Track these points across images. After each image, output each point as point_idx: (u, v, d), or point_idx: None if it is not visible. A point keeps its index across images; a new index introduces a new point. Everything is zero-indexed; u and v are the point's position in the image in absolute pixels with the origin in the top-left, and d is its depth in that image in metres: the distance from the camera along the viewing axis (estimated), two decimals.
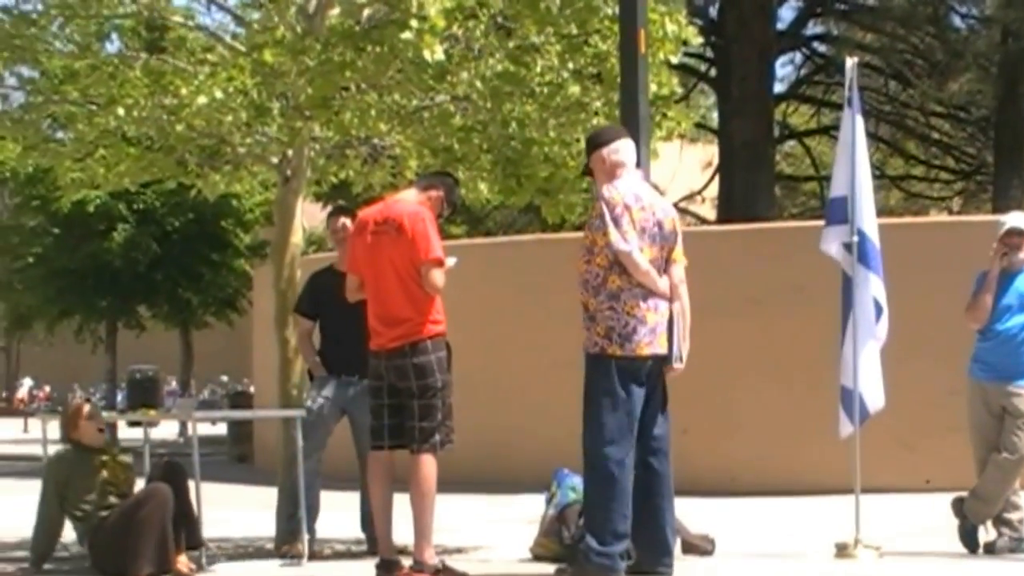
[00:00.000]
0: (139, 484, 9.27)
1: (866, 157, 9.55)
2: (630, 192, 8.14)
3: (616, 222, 8.01)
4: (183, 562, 8.87)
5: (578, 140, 10.30)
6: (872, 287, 9.28)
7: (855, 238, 9.28)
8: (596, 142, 8.46)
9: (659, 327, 8.07)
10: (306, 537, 9.51)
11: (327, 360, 9.92)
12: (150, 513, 8.69)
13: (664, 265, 8.19)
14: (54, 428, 10.28)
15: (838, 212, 9.42)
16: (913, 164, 32.02)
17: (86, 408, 9.51)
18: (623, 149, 8.36)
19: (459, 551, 9.72)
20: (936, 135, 30.09)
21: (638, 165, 8.85)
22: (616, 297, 8.01)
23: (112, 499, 9.02)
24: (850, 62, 9.50)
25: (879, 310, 9.32)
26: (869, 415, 9.35)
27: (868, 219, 9.34)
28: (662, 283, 8.11)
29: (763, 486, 14.41)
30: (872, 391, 9.30)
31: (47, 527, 9.21)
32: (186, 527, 8.96)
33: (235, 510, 12.61)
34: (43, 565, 9.27)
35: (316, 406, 9.79)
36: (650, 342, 8.03)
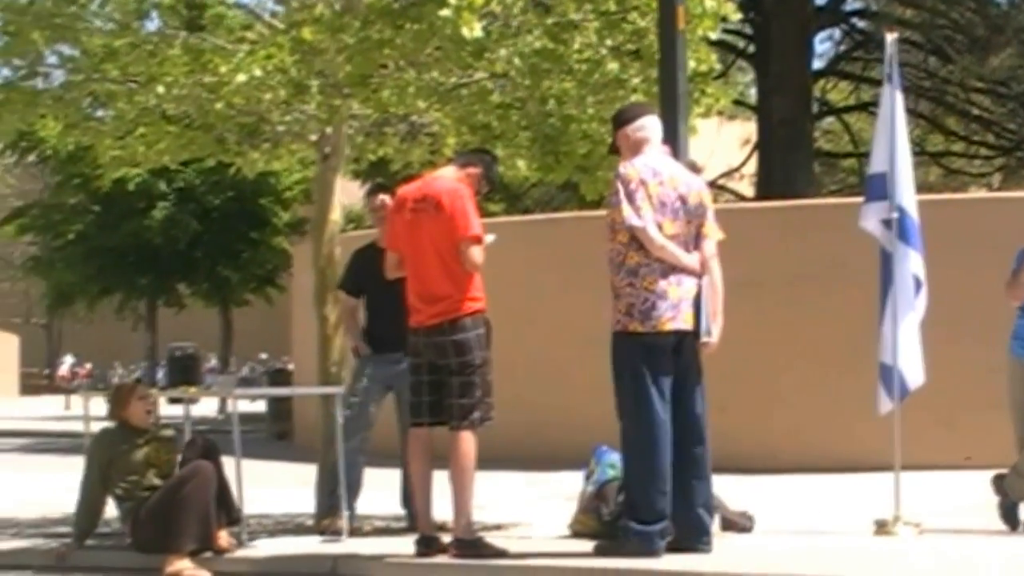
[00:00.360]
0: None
1: (905, 133, 9.48)
2: (647, 167, 8.12)
3: (630, 198, 8.01)
4: (224, 538, 8.94)
5: None
6: (912, 263, 9.24)
7: (895, 214, 9.24)
8: (620, 120, 8.46)
9: (683, 303, 8.04)
10: (346, 513, 9.54)
11: (372, 337, 9.91)
12: (193, 491, 8.75)
13: (694, 240, 8.18)
14: (96, 405, 10.36)
15: (877, 189, 9.38)
16: (953, 140, 31.83)
17: (138, 388, 9.54)
18: (648, 126, 8.36)
19: (498, 528, 9.74)
20: (976, 111, 29.90)
21: (673, 141, 8.84)
22: (635, 273, 8.01)
23: (155, 479, 9.07)
24: (890, 37, 9.45)
25: (918, 285, 9.28)
26: (909, 392, 9.31)
27: (908, 195, 9.29)
28: (688, 258, 8.08)
29: (802, 463, 14.37)
30: (912, 368, 9.26)
31: (90, 504, 9.28)
32: (224, 504, 9.02)
33: (275, 487, 12.67)
34: (85, 541, 9.34)
35: (361, 385, 9.79)
36: (672, 317, 8.02)
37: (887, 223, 9.28)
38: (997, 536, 9.09)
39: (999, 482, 9.39)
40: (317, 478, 10.09)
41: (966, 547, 8.54)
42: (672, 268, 8.02)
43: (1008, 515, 9.37)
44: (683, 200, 8.14)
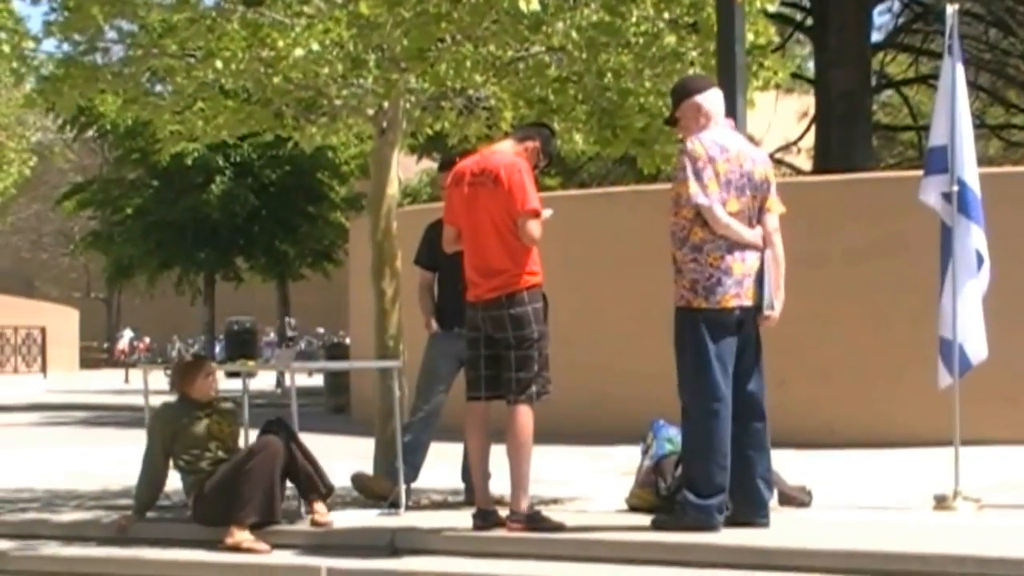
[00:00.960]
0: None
1: (967, 106, 9.39)
2: (715, 144, 8.10)
3: (698, 175, 7.99)
4: (320, 511, 8.95)
5: None
6: (973, 238, 9.16)
7: (955, 188, 9.17)
8: (689, 89, 8.40)
9: (747, 279, 8.04)
10: (403, 487, 9.56)
11: (443, 312, 9.83)
12: (260, 463, 8.79)
13: (757, 215, 8.15)
14: (155, 379, 10.42)
15: (937, 162, 9.30)
16: (1014, 113, 31.58)
17: (205, 365, 9.54)
18: (716, 98, 8.34)
19: (555, 502, 9.75)
20: None
21: (732, 115, 8.80)
22: (699, 249, 8.00)
23: (219, 453, 9.12)
24: (950, 9, 9.36)
25: (980, 260, 9.20)
26: (972, 366, 9.24)
27: (969, 168, 9.21)
28: (751, 233, 8.07)
29: (861, 438, 14.32)
30: (975, 342, 9.19)
31: (151, 477, 9.34)
32: (318, 476, 9.05)
33: (332, 461, 12.68)
34: (146, 513, 9.41)
35: (434, 362, 9.78)
36: (736, 294, 8.01)
37: (947, 196, 9.21)
38: None
39: None
40: (375, 452, 10.12)
41: None
42: (736, 244, 8.01)
43: None
44: (748, 176, 8.13)
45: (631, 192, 19.07)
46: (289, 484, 9.09)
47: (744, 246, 8.05)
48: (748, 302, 8.07)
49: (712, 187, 7.99)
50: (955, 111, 9.21)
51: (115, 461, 13.11)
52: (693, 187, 7.98)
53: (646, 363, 15.24)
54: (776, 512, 8.39)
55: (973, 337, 9.18)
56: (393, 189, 10.43)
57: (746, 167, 8.14)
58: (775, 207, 8.24)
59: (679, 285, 8.10)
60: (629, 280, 16.12)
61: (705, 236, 8.01)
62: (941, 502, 9.00)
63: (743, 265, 8.04)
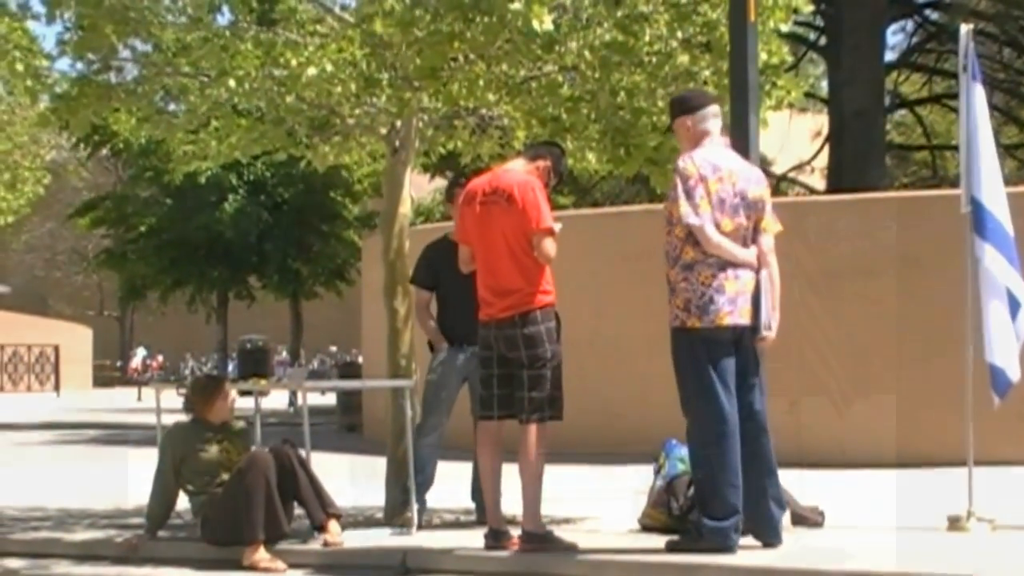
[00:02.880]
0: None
1: (987, 126, 9.28)
2: (707, 163, 8.06)
3: (689, 194, 7.96)
4: (333, 531, 8.94)
5: None
6: (987, 258, 9.05)
7: (968, 207, 9.13)
8: (682, 107, 8.35)
9: (740, 297, 7.99)
10: (415, 507, 9.56)
11: (446, 330, 9.88)
12: (254, 480, 8.77)
13: (752, 234, 8.12)
14: (168, 397, 10.42)
15: None
16: None
17: (224, 388, 9.51)
18: (711, 117, 8.27)
19: (567, 521, 9.73)
20: None
21: (744, 134, 8.78)
22: (691, 268, 7.97)
23: (224, 475, 9.12)
24: (964, 29, 9.33)
25: (1016, 305, 9.07)
26: (1012, 384, 9.10)
27: (987, 189, 9.11)
28: (744, 253, 8.03)
29: (873, 458, 14.28)
30: (1010, 361, 9.05)
31: (163, 497, 9.34)
32: (321, 500, 9.04)
33: (344, 480, 12.71)
34: (158, 532, 9.40)
35: (437, 379, 9.78)
36: (730, 312, 7.97)
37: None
38: None
39: None
40: (387, 471, 10.11)
41: None
42: (729, 262, 7.97)
43: None
44: (742, 195, 8.09)
45: (644, 211, 19.05)
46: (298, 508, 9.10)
47: (737, 265, 8.01)
48: (743, 320, 8.01)
49: (704, 206, 7.95)
50: (971, 131, 9.16)
51: (128, 479, 13.11)
52: (684, 207, 7.95)
53: (658, 382, 15.22)
54: (788, 533, 8.36)
55: (1007, 356, 9.02)
56: (406, 208, 10.43)
57: (739, 186, 8.09)
58: (770, 227, 8.21)
59: (672, 305, 8.06)
60: (641, 299, 16.09)
61: (696, 256, 7.97)
62: (955, 523, 8.96)
63: (736, 283, 7.99)
